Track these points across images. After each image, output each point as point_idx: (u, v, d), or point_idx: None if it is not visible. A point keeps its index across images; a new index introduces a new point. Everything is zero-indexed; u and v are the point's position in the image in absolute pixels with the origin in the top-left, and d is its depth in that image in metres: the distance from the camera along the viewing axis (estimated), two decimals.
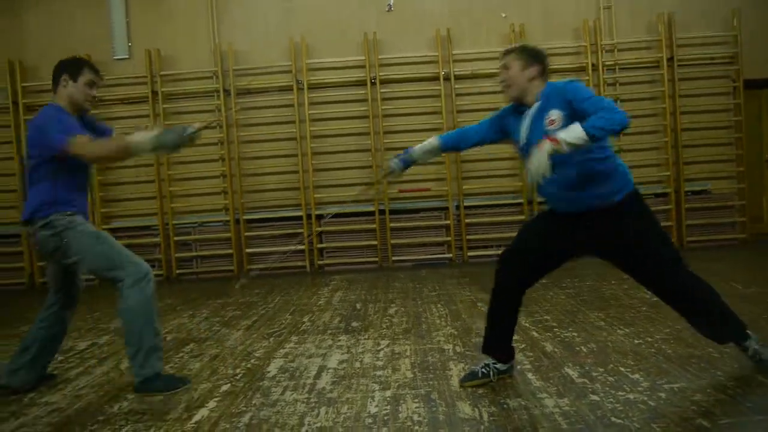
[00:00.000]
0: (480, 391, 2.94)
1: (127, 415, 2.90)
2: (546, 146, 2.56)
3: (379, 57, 7.88)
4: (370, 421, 2.66)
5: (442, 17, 7.95)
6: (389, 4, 7.98)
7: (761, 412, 2.49)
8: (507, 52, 2.96)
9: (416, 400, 2.86)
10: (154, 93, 7.98)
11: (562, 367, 3.24)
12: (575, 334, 3.90)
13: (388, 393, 2.99)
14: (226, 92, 7.93)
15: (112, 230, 7.62)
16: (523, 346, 3.70)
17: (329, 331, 4.39)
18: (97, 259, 3.10)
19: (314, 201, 7.86)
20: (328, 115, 7.96)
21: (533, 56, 2.90)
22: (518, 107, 2.95)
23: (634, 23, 7.88)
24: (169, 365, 3.67)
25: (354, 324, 4.59)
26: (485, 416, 2.63)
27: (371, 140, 7.83)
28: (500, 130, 3.09)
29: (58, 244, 3.10)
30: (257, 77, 7.97)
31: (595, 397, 2.76)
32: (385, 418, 2.68)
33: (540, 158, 2.56)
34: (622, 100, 7.75)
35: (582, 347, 3.59)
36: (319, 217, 7.92)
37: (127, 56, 8.06)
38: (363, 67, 7.89)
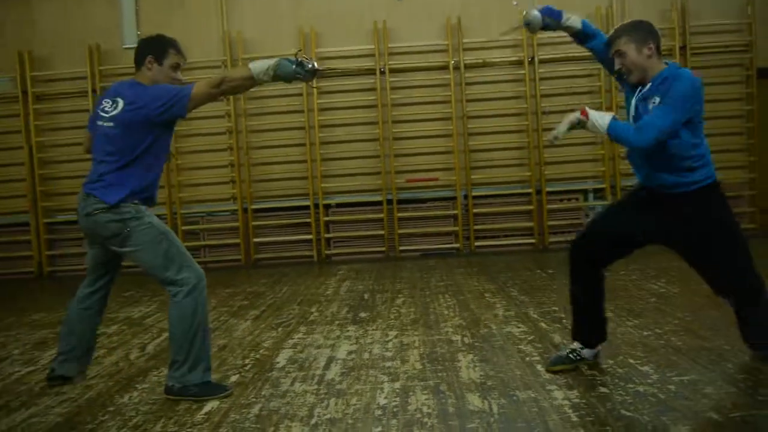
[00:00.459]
0: (489, 383, 2.94)
1: (137, 405, 2.92)
2: (574, 117, 2.71)
3: (389, 46, 7.82)
4: (379, 413, 2.66)
5: (452, 6, 7.87)
6: None
7: None
8: (616, 36, 2.83)
9: (425, 392, 2.86)
10: None
11: None
12: None
13: (397, 384, 2.99)
14: None
15: None
16: (531, 337, 3.69)
17: (337, 322, 4.40)
18: (155, 255, 2.95)
19: (322, 191, 7.85)
20: (337, 105, 7.93)
21: (647, 33, 2.80)
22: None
23: (647, 11, 7.74)
24: None
25: (362, 314, 4.60)
26: (495, 408, 2.62)
27: (380, 129, 7.80)
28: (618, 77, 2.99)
29: (120, 231, 2.93)
30: None
31: (604, 390, 2.76)
32: (395, 409, 2.68)
33: (564, 123, 2.72)
34: None
35: None
36: (327, 206, 7.92)
37: (136, 45, 8.03)
38: (372, 56, 7.84)
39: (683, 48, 7.71)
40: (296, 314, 4.76)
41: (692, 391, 2.69)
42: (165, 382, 3.01)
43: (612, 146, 7.60)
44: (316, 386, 3.04)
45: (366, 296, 5.33)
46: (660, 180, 2.84)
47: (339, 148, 7.96)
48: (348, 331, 4.12)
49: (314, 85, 3.22)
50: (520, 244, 7.70)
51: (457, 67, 7.78)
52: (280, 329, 4.28)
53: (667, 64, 2.84)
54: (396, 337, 3.89)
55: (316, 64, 2.96)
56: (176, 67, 3.13)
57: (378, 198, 7.87)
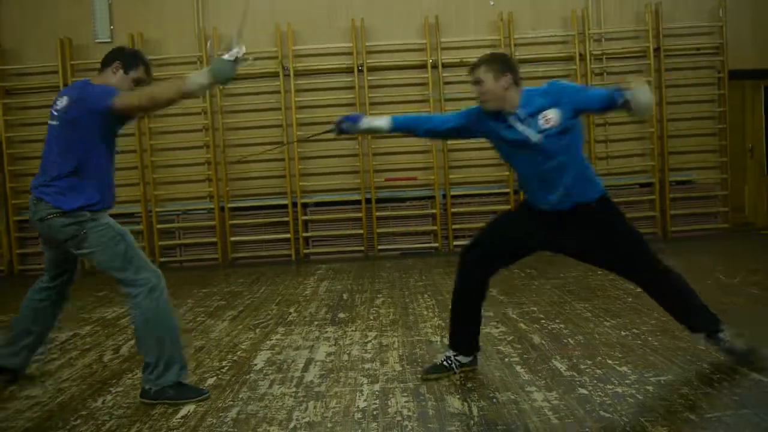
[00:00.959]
0: (469, 384, 2.93)
1: (111, 409, 2.86)
2: (644, 83, 2.59)
3: (367, 44, 7.79)
4: (359, 416, 2.64)
5: (430, 5, 7.86)
6: None
7: (747, 405, 2.51)
8: (475, 66, 2.91)
9: (405, 394, 2.85)
10: None
11: (550, 359, 3.24)
12: (562, 325, 3.91)
13: (377, 387, 2.97)
14: None
15: None
16: (510, 338, 3.70)
17: (316, 323, 4.36)
18: (113, 256, 2.92)
19: (300, 189, 7.79)
20: (315, 103, 7.87)
21: (503, 65, 2.87)
22: (498, 114, 2.91)
23: (622, 13, 7.86)
24: None
25: (341, 315, 4.57)
26: (475, 411, 2.62)
27: None
28: (469, 129, 3.07)
29: (76, 233, 2.91)
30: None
31: (583, 391, 2.77)
32: (375, 412, 2.66)
33: (647, 91, 2.56)
34: None
35: (569, 339, 3.60)
36: (305, 205, 7.86)
37: (109, 40, 7.86)
38: (350, 54, 7.81)
39: (657, 50, 7.80)
40: (274, 315, 4.71)
41: (669, 392, 2.72)
42: (141, 385, 2.95)
43: (587, 146, 7.67)
44: (294, 389, 3.00)
45: (345, 296, 5.30)
46: (572, 199, 2.85)
47: (317, 147, 7.90)
48: (327, 332, 4.09)
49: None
50: None
51: (435, 66, 7.78)
52: (257, 330, 4.23)
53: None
54: (375, 338, 3.87)
55: (243, 49, 2.80)
56: (138, 81, 3.09)
57: (357, 197, 7.84)
